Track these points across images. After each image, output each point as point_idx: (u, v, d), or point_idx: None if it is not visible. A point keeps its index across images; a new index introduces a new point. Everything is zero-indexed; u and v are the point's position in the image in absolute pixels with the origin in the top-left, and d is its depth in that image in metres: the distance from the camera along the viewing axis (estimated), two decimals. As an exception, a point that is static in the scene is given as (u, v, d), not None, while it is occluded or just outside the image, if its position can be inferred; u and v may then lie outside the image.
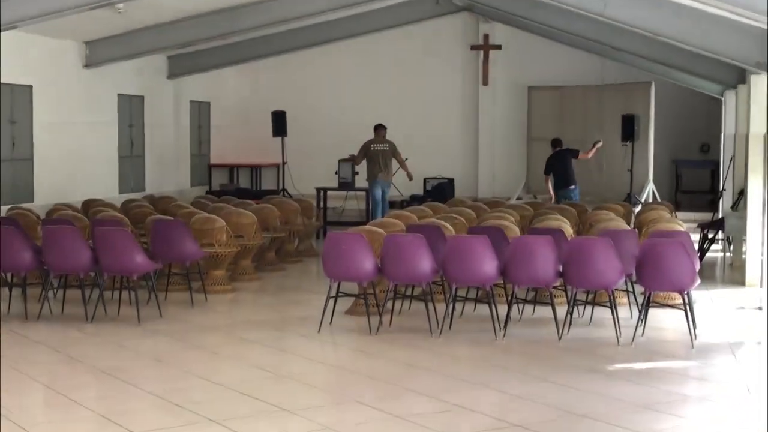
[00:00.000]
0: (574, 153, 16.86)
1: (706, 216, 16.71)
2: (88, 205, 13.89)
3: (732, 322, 10.28)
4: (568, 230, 10.85)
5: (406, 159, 17.35)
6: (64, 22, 13.38)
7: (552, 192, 16.56)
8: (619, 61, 18.87)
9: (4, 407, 6.77)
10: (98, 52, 16.72)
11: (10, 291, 10.82)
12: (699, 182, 20.93)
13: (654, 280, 9.07)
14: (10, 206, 13.44)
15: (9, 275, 10.78)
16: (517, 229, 10.88)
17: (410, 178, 17.43)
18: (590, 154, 17.08)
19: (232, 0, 15.63)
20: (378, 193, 16.77)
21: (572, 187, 16.61)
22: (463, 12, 20.45)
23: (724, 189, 16.41)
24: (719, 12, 8.88)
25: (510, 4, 15.17)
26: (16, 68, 14.41)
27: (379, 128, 17.29)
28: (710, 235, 14.86)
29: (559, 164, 16.70)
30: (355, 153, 17.50)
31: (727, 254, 14.90)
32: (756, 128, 11.88)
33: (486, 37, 21.43)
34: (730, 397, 7.40)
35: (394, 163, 17.09)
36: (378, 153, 16.97)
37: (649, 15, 11.07)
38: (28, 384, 7.53)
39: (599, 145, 17.13)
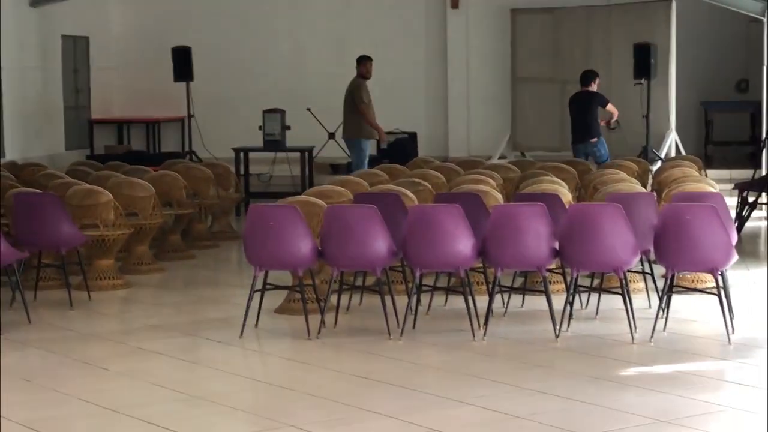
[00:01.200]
0: (603, 100, 16.89)
1: (745, 174, 16.88)
2: None
3: None
4: (567, 195, 10.95)
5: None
6: None
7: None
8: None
9: None
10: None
11: None
12: (735, 130, 21.17)
13: (678, 257, 9.16)
14: None
15: None
16: (499, 196, 10.96)
17: (382, 138, 17.66)
18: (615, 113, 17.08)
19: None
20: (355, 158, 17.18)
21: (594, 139, 16.66)
22: None
23: (766, 139, 16.59)
24: None
25: None
26: None
27: (362, 62, 17.58)
28: (751, 199, 15.00)
29: (580, 107, 16.74)
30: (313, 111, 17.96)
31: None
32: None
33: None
34: None
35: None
36: (345, 99, 17.38)
37: None
38: None
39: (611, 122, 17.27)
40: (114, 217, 11.84)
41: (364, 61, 17.45)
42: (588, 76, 17.07)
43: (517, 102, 21.58)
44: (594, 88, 16.92)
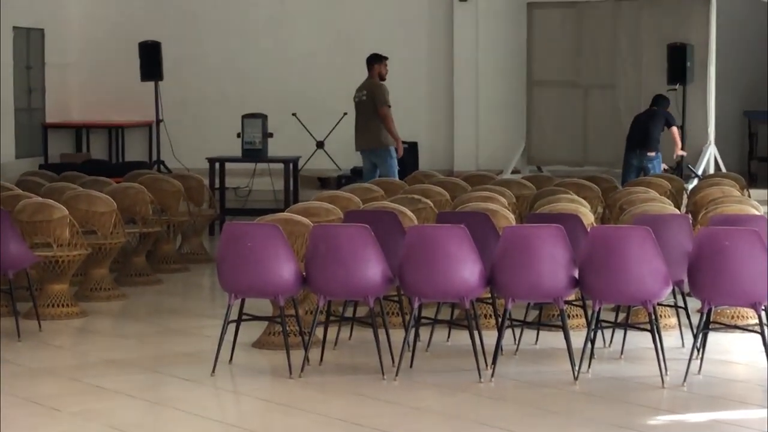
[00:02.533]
0: (671, 120, 17.21)
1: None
2: None
3: None
4: (589, 217, 10.94)
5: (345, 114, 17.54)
6: None
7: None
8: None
9: None
10: None
11: None
12: (783, 145, 21.21)
13: (716, 289, 9.14)
14: None
15: None
16: (512, 216, 10.94)
17: (399, 148, 17.41)
18: (679, 144, 17.32)
19: None
20: (367, 167, 17.03)
21: (653, 153, 16.83)
22: None
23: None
24: None
25: None
26: None
27: (372, 62, 17.48)
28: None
29: (647, 117, 16.92)
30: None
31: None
32: None
33: None
34: None
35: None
36: (358, 106, 17.26)
37: None
38: None
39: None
40: (69, 236, 11.84)
41: (379, 61, 17.31)
42: (661, 98, 17.42)
43: (534, 109, 21.58)
44: (663, 106, 17.30)
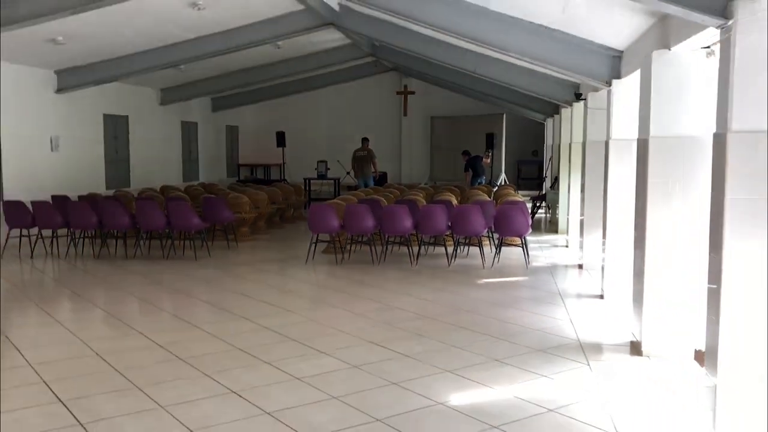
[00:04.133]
0: (480, 158, 17.18)
1: (534, 192, 17.33)
2: (164, 189, 14.03)
3: (550, 254, 10.56)
4: (455, 201, 11.09)
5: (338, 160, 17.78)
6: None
7: (469, 180, 16.87)
8: (484, 101, 19.13)
9: (117, 315, 6.99)
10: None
11: (116, 241, 11.00)
12: (531, 173, 21.53)
13: (505, 230, 9.47)
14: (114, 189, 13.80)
15: (116, 232, 10.98)
16: (424, 201, 10.99)
17: (377, 174, 17.39)
18: (488, 160, 17.47)
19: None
20: (361, 184, 16.72)
21: (482, 177, 17.09)
22: (392, 71, 20.75)
23: (545, 176, 16.97)
24: (548, 71, 9.28)
25: (420, 65, 15.46)
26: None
27: (364, 140, 17.30)
28: (538, 204, 15.48)
29: (476, 164, 17.10)
30: (340, 161, 18.06)
31: (547, 215, 15.41)
32: (564, 141, 12.38)
33: (405, 86, 21.76)
34: (548, 294, 7.57)
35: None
36: (359, 158, 16.90)
37: (506, 73, 11.35)
38: (128, 297, 7.69)
39: (489, 153, 17.61)
40: (248, 209, 12.07)
41: (368, 140, 17.26)
42: (467, 151, 17.39)
43: (433, 158, 21.77)
44: (472, 154, 17.17)
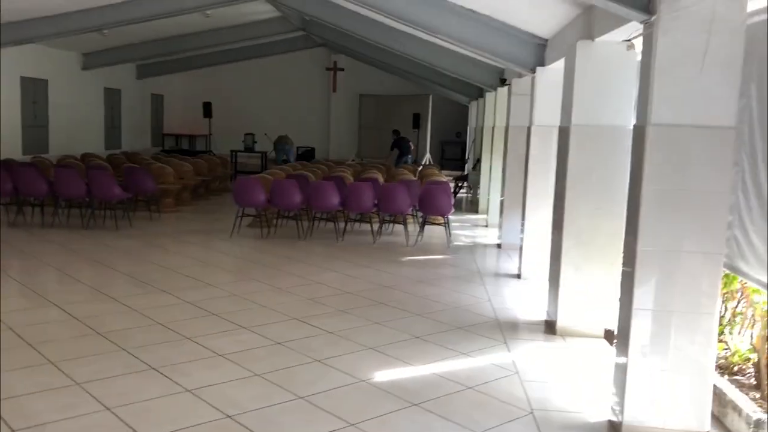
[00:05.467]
0: (407, 140, 17.72)
1: (457, 173, 17.56)
2: (84, 157, 13.41)
3: (471, 232, 10.72)
4: (381, 179, 11.03)
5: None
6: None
7: (393, 159, 17.04)
8: (412, 80, 19.13)
9: (32, 286, 6.66)
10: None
11: (33, 209, 10.47)
12: (454, 154, 21.76)
13: (429, 208, 9.52)
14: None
15: (33, 199, 10.46)
16: (351, 178, 10.96)
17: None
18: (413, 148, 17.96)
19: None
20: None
21: (407, 156, 17.33)
22: (321, 47, 20.43)
23: (467, 158, 17.21)
24: (474, 55, 9.28)
25: (350, 42, 15.26)
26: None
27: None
28: (459, 184, 15.66)
29: (402, 144, 17.34)
30: (268, 134, 18.13)
31: (468, 195, 15.63)
32: (488, 124, 12.52)
33: (335, 63, 21.51)
34: (468, 272, 7.67)
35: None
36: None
37: (433, 54, 11.31)
38: (45, 268, 7.37)
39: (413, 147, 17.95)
40: (173, 179, 11.71)
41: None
42: (397, 130, 17.96)
43: (360, 136, 21.74)
44: (400, 135, 17.58)
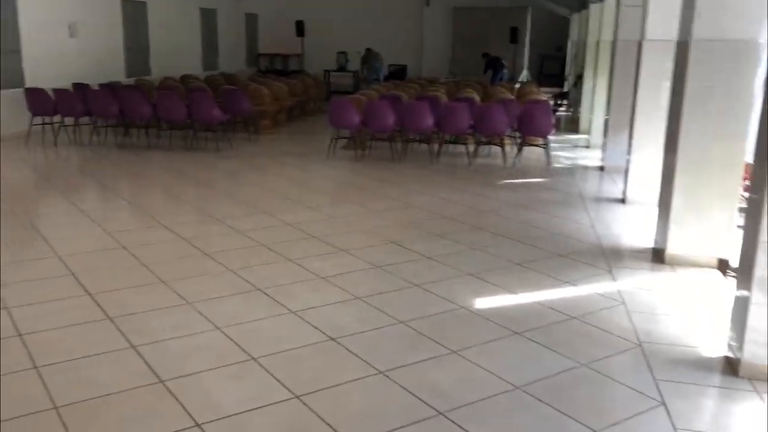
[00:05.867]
0: (500, 59, 17.46)
1: (556, 90, 16.97)
2: (184, 78, 13.69)
3: (571, 154, 10.36)
4: (477, 99, 10.75)
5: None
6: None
7: (488, 80, 16.78)
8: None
9: (141, 206, 6.92)
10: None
11: (138, 131, 10.83)
12: (553, 69, 20.84)
13: (528, 129, 9.24)
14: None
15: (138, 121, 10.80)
16: (445, 98, 10.74)
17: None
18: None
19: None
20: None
21: (501, 72, 17.19)
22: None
23: (567, 74, 16.43)
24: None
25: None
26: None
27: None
28: (559, 102, 15.08)
29: (496, 64, 17.16)
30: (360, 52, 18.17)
31: (568, 114, 15.04)
32: (591, 38, 11.85)
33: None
34: (570, 196, 7.48)
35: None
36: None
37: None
38: (152, 188, 7.63)
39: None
40: (269, 101, 11.80)
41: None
42: (487, 53, 17.51)
43: (455, 53, 21.11)
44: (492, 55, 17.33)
